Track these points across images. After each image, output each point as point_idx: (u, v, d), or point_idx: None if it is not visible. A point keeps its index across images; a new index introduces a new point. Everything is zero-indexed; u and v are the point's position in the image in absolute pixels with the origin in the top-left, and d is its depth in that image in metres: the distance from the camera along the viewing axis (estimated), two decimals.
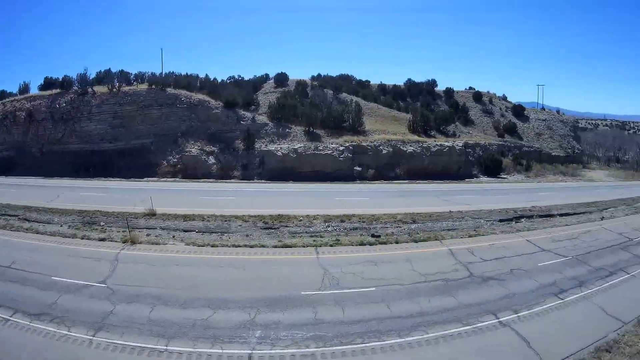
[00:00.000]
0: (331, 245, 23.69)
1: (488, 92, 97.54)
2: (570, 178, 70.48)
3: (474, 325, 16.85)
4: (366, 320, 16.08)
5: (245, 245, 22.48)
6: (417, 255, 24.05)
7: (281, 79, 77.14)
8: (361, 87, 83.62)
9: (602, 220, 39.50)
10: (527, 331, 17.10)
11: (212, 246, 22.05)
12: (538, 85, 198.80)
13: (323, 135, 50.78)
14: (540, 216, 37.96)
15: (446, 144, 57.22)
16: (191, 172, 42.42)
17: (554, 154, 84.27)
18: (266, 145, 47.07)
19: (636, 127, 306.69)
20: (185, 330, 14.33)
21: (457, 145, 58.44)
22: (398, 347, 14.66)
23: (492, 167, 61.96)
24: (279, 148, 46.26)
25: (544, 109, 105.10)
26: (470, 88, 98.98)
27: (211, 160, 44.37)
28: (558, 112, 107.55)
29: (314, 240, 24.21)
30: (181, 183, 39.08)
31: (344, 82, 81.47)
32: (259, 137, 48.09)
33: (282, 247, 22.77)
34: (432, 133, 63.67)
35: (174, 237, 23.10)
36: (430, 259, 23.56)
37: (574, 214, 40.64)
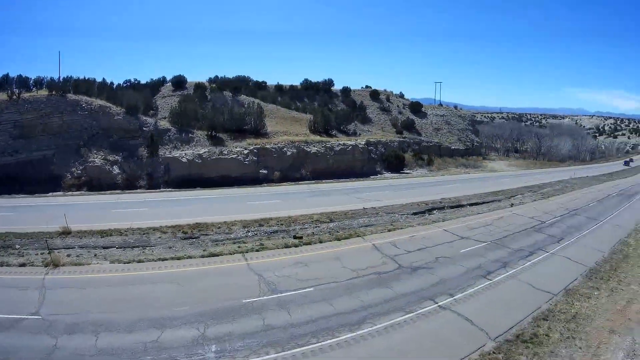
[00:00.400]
0: (257, 250, 24.46)
1: (385, 90, 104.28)
2: (473, 170, 77.82)
3: (417, 312, 18.73)
4: (314, 320, 17.09)
5: (172, 258, 22.48)
6: (344, 252, 25.56)
7: (179, 81, 78.08)
8: (259, 89, 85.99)
9: (512, 206, 44.72)
10: (467, 311, 19.34)
11: (139, 262, 21.79)
12: (436, 82, 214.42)
13: (226, 139, 51.45)
14: (451, 207, 41.94)
15: (349, 142, 60.79)
16: (96, 183, 40.98)
17: (453, 147, 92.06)
18: (170, 151, 46.61)
19: (533, 119, 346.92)
20: (140, 356, 14.07)
21: (360, 143, 62.45)
22: (352, 341, 15.83)
23: (395, 164, 66.51)
24: (183, 154, 46.06)
25: (442, 105, 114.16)
26: (367, 87, 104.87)
27: (116, 170, 42.90)
28: (456, 107, 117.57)
29: (239, 247, 24.81)
30: (88, 196, 38.01)
31: (242, 84, 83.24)
32: (162, 143, 47.46)
33: (209, 256, 23.09)
34: (333, 133, 66.98)
35: (95, 255, 22.35)
36: (358, 255, 25.18)
37: (483, 202, 45.47)
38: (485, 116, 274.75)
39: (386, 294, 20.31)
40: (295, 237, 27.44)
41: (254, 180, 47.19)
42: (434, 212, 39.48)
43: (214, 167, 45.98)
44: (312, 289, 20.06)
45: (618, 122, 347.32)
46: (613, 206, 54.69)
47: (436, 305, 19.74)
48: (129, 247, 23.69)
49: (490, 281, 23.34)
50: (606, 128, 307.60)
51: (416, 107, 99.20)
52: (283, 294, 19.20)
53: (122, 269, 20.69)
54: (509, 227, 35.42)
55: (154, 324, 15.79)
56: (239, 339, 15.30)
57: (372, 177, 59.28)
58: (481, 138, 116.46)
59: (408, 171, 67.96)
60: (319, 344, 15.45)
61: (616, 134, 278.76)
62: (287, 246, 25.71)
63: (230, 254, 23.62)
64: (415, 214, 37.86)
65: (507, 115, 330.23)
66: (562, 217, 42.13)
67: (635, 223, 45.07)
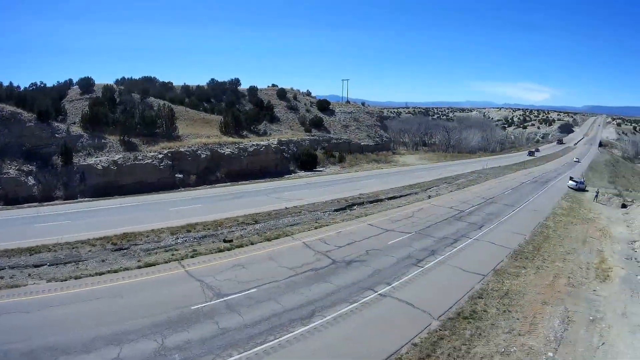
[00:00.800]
0: (192, 257, 25.16)
1: (292, 88, 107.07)
2: (385, 165, 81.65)
3: (361, 302, 20.64)
4: (266, 318, 18.34)
5: (109, 272, 22.46)
6: (277, 252, 26.95)
7: (86, 84, 75.40)
8: (165, 90, 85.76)
9: (429, 198, 48.30)
10: (407, 297, 21.57)
11: (76, 278, 21.52)
12: (343, 79, 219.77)
13: (140, 144, 50.63)
14: (370, 202, 44.55)
15: (262, 143, 62.26)
16: (12, 196, 38.79)
17: (363, 143, 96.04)
18: (84, 159, 45.04)
19: (439, 113, 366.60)
20: None
21: (272, 143, 64.28)
22: (307, 334, 17.32)
23: (307, 162, 68.86)
24: (98, 161, 44.72)
25: (349, 102, 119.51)
26: (274, 85, 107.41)
27: (31, 180, 40.75)
28: (363, 104, 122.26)
29: (172, 255, 25.36)
30: (6, 211, 35.97)
31: (149, 85, 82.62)
32: (76, 150, 45.92)
33: (146, 266, 23.40)
34: (244, 133, 67.89)
35: (30, 275, 21.66)
36: (291, 254, 26.70)
37: (401, 196, 48.64)
38: (391, 111, 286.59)
39: (327, 288, 21.98)
40: (225, 241, 28.31)
41: (171, 186, 47.14)
42: (355, 207, 41.80)
43: (130, 174, 45.23)
44: (255, 289, 21.19)
45: (527, 113, 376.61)
46: (528, 193, 61.01)
47: (377, 294, 21.74)
48: (61, 263, 23.28)
49: (422, 268, 25.87)
50: (515, 119, 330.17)
51: (324, 105, 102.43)
52: (229, 297, 20.13)
53: (60, 287, 20.41)
54: (431, 218, 38.57)
55: (111, 341, 16.01)
56: (199, 345, 16.10)
57: (286, 176, 60.89)
58: (390, 133, 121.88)
59: (321, 169, 70.35)
60: (277, 340, 16.73)
61: (525, 124, 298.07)
62: (220, 250, 26.56)
63: (166, 262, 24.11)
64: (336, 210, 39.89)
65: (414, 110, 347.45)
66: (480, 206, 46.37)
67: (552, 207, 50.45)
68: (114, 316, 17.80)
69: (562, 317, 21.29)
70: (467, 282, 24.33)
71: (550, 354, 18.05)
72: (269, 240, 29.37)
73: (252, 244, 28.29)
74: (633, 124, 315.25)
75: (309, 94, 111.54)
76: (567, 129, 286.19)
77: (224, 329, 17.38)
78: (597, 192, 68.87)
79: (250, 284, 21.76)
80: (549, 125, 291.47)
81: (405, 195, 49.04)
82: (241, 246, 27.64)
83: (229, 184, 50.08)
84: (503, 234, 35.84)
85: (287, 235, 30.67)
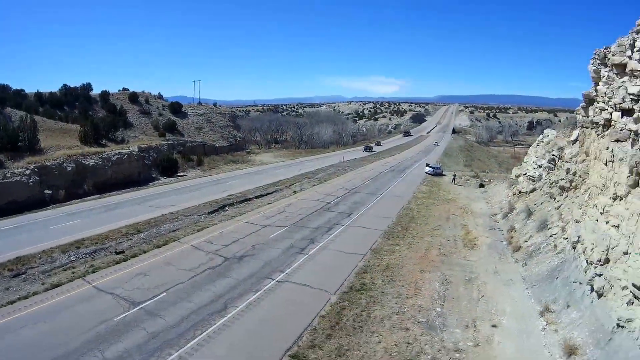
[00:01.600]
0: (93, 272, 25.63)
1: (143, 91, 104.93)
2: (244, 165, 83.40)
3: (264, 289, 23.53)
4: (186, 316, 20.28)
5: (20, 299, 21.91)
6: (171, 257, 28.50)
7: None
8: (20, 97, 79.72)
9: (295, 193, 51.76)
10: (302, 280, 24.92)
11: None
12: (194, 80, 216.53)
13: (5, 160, 46.84)
14: (240, 202, 46.85)
15: (124, 151, 61.29)
16: None
17: (217, 145, 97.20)
18: None
19: (289, 109, 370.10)
20: None
21: (134, 151, 63.45)
22: (229, 323, 19.72)
23: (168, 167, 68.88)
24: None
25: (201, 104, 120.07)
26: (125, 89, 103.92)
27: None
28: (215, 104, 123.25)
29: (73, 273, 25.49)
30: None
31: (4, 94, 75.29)
32: None
33: (53, 288, 23.32)
34: (104, 142, 65.74)
35: None
36: (185, 257, 28.44)
37: (268, 194, 51.54)
38: (241, 110, 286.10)
39: (230, 282, 24.41)
40: (117, 253, 29.00)
41: (41, 203, 44.89)
42: (227, 208, 43.79)
43: (1, 194, 42.76)
44: (165, 293, 22.75)
45: (378, 105, 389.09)
46: (388, 181, 65.76)
47: (275, 281, 24.70)
48: None
49: (307, 255, 29.35)
50: (366, 112, 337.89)
51: (176, 108, 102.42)
52: (145, 304, 21.45)
53: None
54: (302, 211, 42.07)
55: None
56: (137, 351, 17.28)
57: (150, 184, 60.71)
58: (242, 133, 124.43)
59: (182, 174, 70.63)
60: (204, 333, 18.80)
61: (377, 116, 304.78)
62: (117, 262, 27.31)
63: (70, 280, 24.36)
64: (211, 212, 41.64)
65: (263, 107, 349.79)
66: (345, 196, 50.82)
67: (412, 192, 56.30)
68: (46, 343, 17.97)
69: (440, 280, 26.01)
70: (351, 261, 28.27)
71: (439, 309, 22.24)
72: (158, 247, 30.60)
73: (144, 252, 29.34)
74: (487, 111, 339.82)
75: (160, 96, 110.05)
76: (419, 118, 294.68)
77: (153, 332, 18.86)
78: (455, 175, 74.15)
79: (159, 289, 23.23)
80: (401, 116, 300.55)
81: (272, 193, 52.05)
82: (135, 256, 28.57)
83: (97, 196, 48.85)
84: (372, 219, 40.41)
85: (174, 241, 32.08)
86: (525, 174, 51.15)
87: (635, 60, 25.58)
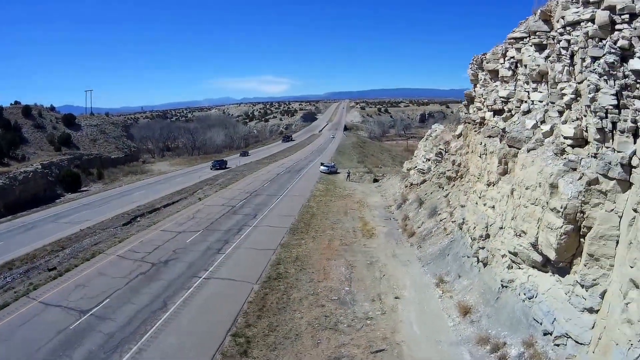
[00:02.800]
0: (34, 289, 26.21)
1: (36, 104, 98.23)
2: (143, 176, 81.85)
3: (194, 286, 26.41)
4: (133, 316, 22.63)
5: None
6: (102, 267, 30.08)
7: None
8: None
9: (200, 200, 53.53)
10: (225, 275, 28.25)
11: None
12: (86, 90, 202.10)
13: None
14: (149, 212, 48.09)
15: (29, 169, 59.51)
16: None
17: (113, 156, 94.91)
18: None
19: (178, 114, 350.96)
20: None
21: (38, 168, 61.82)
22: (173, 316, 22.53)
23: (72, 183, 67.43)
24: None
25: (94, 114, 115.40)
26: (17, 102, 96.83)
27: None
28: (107, 114, 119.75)
29: (15, 292, 25.77)
30: None
31: None
32: None
33: (1, 308, 23.99)
34: (5, 161, 63.37)
35: None
36: (115, 267, 30.20)
37: (174, 202, 52.92)
38: (129, 118, 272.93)
39: (162, 284, 26.90)
40: (50, 270, 29.96)
41: None
42: (139, 219, 45.00)
43: None
44: (108, 300, 24.61)
45: (268, 105, 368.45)
46: (286, 182, 67.41)
47: (202, 278, 27.67)
48: None
49: (225, 254, 32.50)
50: (256, 113, 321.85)
51: (70, 120, 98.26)
52: (93, 310, 23.11)
53: None
54: (210, 216, 44.40)
55: None
56: (100, 351, 19.18)
57: (58, 200, 59.43)
58: (135, 142, 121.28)
59: (86, 188, 69.40)
60: (154, 328, 21.25)
61: (267, 117, 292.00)
62: (54, 277, 28.30)
63: (16, 300, 25.04)
64: (125, 224, 42.79)
65: (152, 114, 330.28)
66: (248, 199, 53.41)
67: (310, 191, 58.82)
68: (14, 358, 19.03)
69: (345, 265, 30.09)
70: (264, 256, 31.84)
71: (347, 289, 26.07)
72: (87, 260, 31.86)
73: (76, 266, 30.48)
74: (378, 106, 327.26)
75: (52, 109, 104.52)
76: (310, 117, 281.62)
77: (109, 333, 20.69)
78: (349, 172, 74.97)
79: (101, 297, 24.96)
80: (292, 116, 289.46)
81: (178, 201, 53.53)
82: (68, 270, 29.71)
83: (10, 217, 47.84)
84: (276, 218, 43.59)
85: (100, 253, 33.39)
86: (416, 167, 54.06)
87: (506, 68, 29.28)
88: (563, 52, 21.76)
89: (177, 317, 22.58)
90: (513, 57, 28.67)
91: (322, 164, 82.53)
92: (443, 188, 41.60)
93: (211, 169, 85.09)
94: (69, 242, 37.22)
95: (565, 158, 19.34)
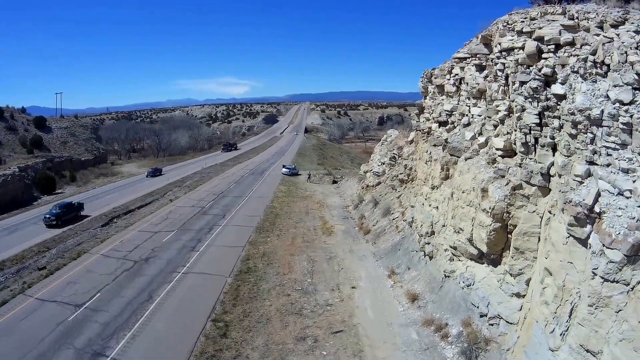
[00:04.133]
0: (29, 287, 27.64)
1: (8, 106, 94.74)
2: (114, 178, 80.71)
3: (175, 280, 28.60)
4: (124, 307, 24.76)
5: None
6: (89, 266, 31.38)
7: None
8: None
9: (172, 201, 54.56)
10: (201, 270, 30.52)
11: None
12: (56, 93, 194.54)
13: None
14: (125, 213, 48.85)
15: (7, 172, 58.74)
16: None
17: (84, 159, 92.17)
18: None
19: (143, 115, 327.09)
20: None
21: (15, 171, 61.03)
22: (158, 306, 24.81)
23: (47, 185, 66.57)
24: None
25: (63, 117, 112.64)
26: None
27: None
28: (76, 116, 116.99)
29: (11, 291, 27.04)
30: None
31: None
32: None
33: (1, 306, 25.19)
34: None
35: None
36: (101, 265, 31.57)
37: (147, 204, 53.70)
38: (95, 119, 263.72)
39: (146, 279, 28.83)
40: (40, 269, 31.17)
41: None
42: (115, 220, 45.77)
43: None
44: (99, 294, 26.34)
45: (231, 107, 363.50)
46: (251, 184, 68.33)
47: (181, 273, 29.82)
48: None
49: (199, 251, 34.58)
50: (219, 114, 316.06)
51: (41, 122, 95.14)
52: (87, 304, 24.91)
53: None
54: (182, 217, 45.74)
55: None
56: (99, 338, 21.23)
57: (35, 203, 59.22)
58: (102, 143, 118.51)
59: (60, 190, 68.75)
60: (144, 317, 23.48)
61: (230, 119, 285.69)
62: (45, 276, 29.51)
63: (13, 297, 26.08)
64: (104, 225, 43.60)
65: (117, 115, 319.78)
66: (215, 200, 54.59)
67: (273, 192, 60.17)
68: (20, 350, 20.37)
69: (307, 260, 32.58)
70: (234, 252, 34.13)
71: (309, 280, 28.57)
72: (74, 259, 33.00)
73: (64, 265, 31.69)
74: (337, 109, 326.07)
75: (23, 110, 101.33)
76: (271, 119, 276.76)
77: (105, 322, 22.56)
78: (309, 174, 75.74)
79: (92, 292, 26.62)
80: (254, 118, 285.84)
81: (151, 202, 54.15)
82: (58, 269, 30.90)
83: None
84: (243, 218, 45.36)
85: (85, 252, 34.51)
86: (372, 170, 54.97)
87: (451, 84, 30.08)
88: (499, 73, 23.39)
89: (163, 307, 24.80)
90: (457, 75, 29.62)
91: (284, 166, 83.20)
92: (396, 190, 42.99)
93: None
94: (53, 243, 38.06)
95: (495, 167, 21.39)
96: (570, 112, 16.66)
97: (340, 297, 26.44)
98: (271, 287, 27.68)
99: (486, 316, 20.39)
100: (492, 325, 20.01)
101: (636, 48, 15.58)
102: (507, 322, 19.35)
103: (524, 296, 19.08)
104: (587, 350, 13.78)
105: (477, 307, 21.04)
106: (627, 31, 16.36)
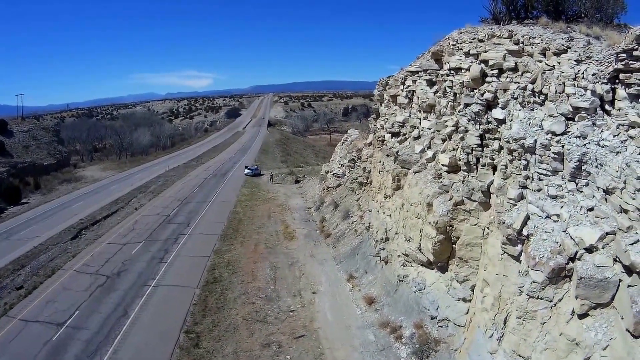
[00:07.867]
0: (10, 308, 28.22)
1: None
2: (79, 184, 77.02)
3: (147, 293, 29.90)
4: (102, 322, 25.93)
5: None
6: (65, 283, 31.77)
7: None
8: None
9: (137, 210, 53.95)
10: (171, 282, 31.92)
11: None
12: (17, 95, 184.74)
13: None
14: (92, 224, 48.22)
15: None
16: None
17: (46, 163, 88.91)
18: None
19: (104, 112, 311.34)
20: None
21: None
22: (135, 320, 26.33)
23: (12, 195, 63.55)
24: None
25: (25, 119, 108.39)
26: None
27: None
28: (37, 119, 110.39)
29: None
30: None
31: None
32: None
33: None
34: None
35: None
36: (76, 281, 32.03)
37: (113, 213, 52.95)
38: (55, 117, 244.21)
39: (119, 294, 29.92)
40: (18, 288, 31.63)
41: None
42: (84, 232, 45.42)
43: None
44: (78, 311, 26.96)
45: (192, 101, 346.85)
46: (213, 187, 67.09)
47: (152, 286, 31.06)
48: None
49: (167, 263, 35.52)
50: (181, 109, 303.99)
51: (2, 126, 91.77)
52: (68, 322, 25.58)
53: None
54: (148, 226, 45.69)
55: None
56: (84, 354, 22.46)
57: (2, 215, 57.50)
58: (65, 145, 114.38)
59: (26, 200, 66.30)
60: (122, 330, 24.72)
61: (192, 114, 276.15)
62: (24, 296, 30.05)
63: None
64: (73, 238, 43.28)
65: (77, 112, 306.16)
66: (180, 207, 53.95)
67: (236, 196, 59.38)
68: None
69: (270, 267, 33.46)
70: (200, 262, 35.24)
71: (272, 287, 29.77)
72: (49, 277, 33.21)
73: (41, 283, 31.83)
74: (301, 100, 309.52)
75: None
76: (234, 113, 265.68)
77: (87, 340, 23.62)
78: (272, 175, 74.66)
79: (71, 309, 27.42)
80: (216, 113, 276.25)
81: (117, 212, 53.24)
82: (35, 287, 31.21)
83: None
84: (208, 225, 45.50)
85: (59, 269, 34.67)
86: (332, 171, 54.15)
87: (403, 96, 29.99)
88: (448, 90, 23.50)
89: (139, 321, 26.25)
90: (410, 87, 29.27)
91: (246, 167, 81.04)
92: (355, 192, 43.05)
93: None
94: (27, 259, 37.99)
95: (441, 182, 22.03)
96: (505, 140, 17.35)
97: (302, 302, 27.81)
98: (237, 296, 28.99)
99: (436, 319, 21.48)
100: (441, 327, 21.10)
101: (574, 79, 15.84)
102: (455, 324, 20.49)
103: (469, 301, 20.08)
104: (520, 355, 14.87)
105: (428, 310, 22.11)
106: (569, 59, 16.53)
